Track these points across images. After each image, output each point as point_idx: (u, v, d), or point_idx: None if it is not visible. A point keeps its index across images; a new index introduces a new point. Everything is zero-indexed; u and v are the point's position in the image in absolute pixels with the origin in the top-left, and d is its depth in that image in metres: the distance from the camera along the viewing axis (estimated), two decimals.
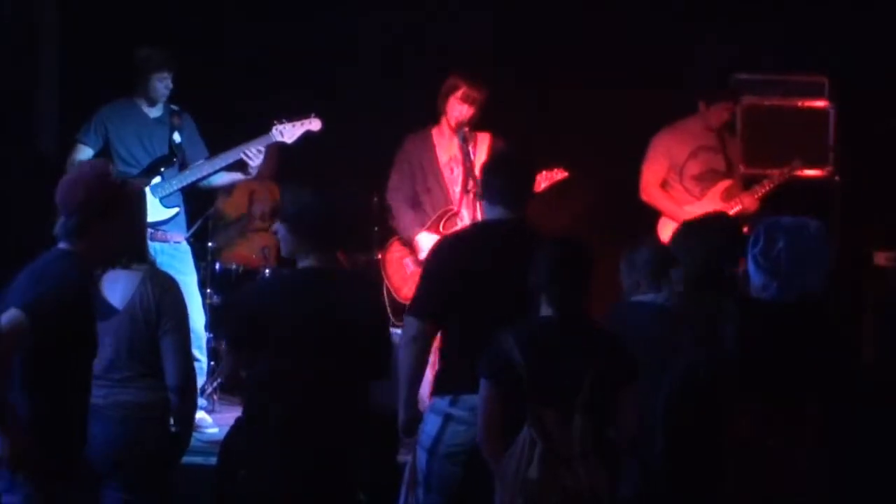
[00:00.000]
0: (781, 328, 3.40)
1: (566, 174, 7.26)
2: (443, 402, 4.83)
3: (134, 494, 4.80)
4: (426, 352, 4.93)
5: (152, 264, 4.96)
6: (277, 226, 4.88)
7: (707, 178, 7.82)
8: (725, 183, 7.82)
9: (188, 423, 4.93)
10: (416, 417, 4.93)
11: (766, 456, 3.31)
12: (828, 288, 3.54)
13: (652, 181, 7.82)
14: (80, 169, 4.57)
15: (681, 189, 7.81)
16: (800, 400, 3.35)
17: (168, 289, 4.88)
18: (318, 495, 4.67)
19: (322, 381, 4.67)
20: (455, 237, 5.50)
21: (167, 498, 4.93)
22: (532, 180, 5.22)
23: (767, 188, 7.84)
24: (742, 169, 8.05)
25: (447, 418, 4.79)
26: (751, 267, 3.52)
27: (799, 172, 8.05)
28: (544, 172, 7.23)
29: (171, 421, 4.86)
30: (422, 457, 4.83)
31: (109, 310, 4.78)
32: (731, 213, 7.56)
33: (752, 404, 3.33)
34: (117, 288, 4.82)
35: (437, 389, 4.94)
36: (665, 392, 3.37)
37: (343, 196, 4.81)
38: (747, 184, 7.91)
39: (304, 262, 4.78)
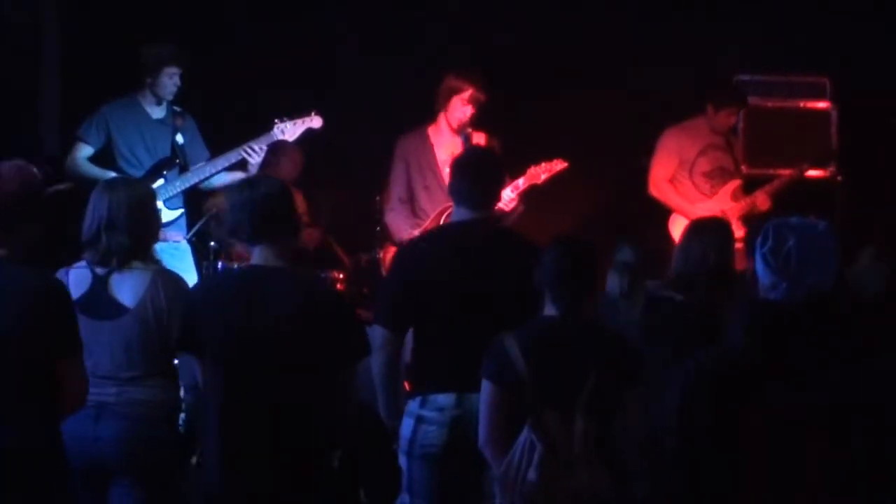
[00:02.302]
0: (791, 327, 3.40)
1: (566, 165, 7.26)
2: (414, 404, 4.82)
3: (144, 492, 4.75)
4: (395, 358, 4.88)
5: (160, 263, 4.95)
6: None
7: (717, 176, 7.84)
8: (735, 183, 7.84)
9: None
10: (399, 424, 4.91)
11: (779, 455, 3.32)
12: (836, 287, 3.55)
13: (661, 175, 7.83)
14: (7, 166, 4.40)
15: (690, 185, 7.83)
16: (811, 399, 3.36)
17: (179, 288, 4.86)
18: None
19: (270, 387, 4.34)
20: (419, 240, 5.48)
21: (178, 496, 4.91)
22: (499, 181, 5.15)
23: (778, 186, 7.86)
24: (744, 170, 8.05)
25: (418, 420, 4.78)
26: (759, 266, 3.52)
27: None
28: (543, 164, 7.23)
29: (181, 420, 4.84)
30: (403, 461, 4.82)
31: (119, 309, 4.76)
32: (744, 210, 7.68)
33: (764, 403, 3.34)
34: (126, 287, 4.79)
35: (410, 391, 4.94)
36: (679, 391, 3.37)
37: (263, 186, 4.54)
38: (749, 184, 7.92)
39: (253, 260, 4.60)
